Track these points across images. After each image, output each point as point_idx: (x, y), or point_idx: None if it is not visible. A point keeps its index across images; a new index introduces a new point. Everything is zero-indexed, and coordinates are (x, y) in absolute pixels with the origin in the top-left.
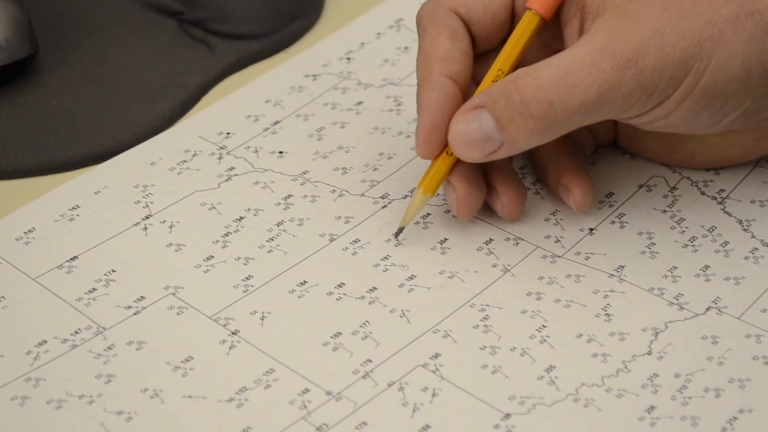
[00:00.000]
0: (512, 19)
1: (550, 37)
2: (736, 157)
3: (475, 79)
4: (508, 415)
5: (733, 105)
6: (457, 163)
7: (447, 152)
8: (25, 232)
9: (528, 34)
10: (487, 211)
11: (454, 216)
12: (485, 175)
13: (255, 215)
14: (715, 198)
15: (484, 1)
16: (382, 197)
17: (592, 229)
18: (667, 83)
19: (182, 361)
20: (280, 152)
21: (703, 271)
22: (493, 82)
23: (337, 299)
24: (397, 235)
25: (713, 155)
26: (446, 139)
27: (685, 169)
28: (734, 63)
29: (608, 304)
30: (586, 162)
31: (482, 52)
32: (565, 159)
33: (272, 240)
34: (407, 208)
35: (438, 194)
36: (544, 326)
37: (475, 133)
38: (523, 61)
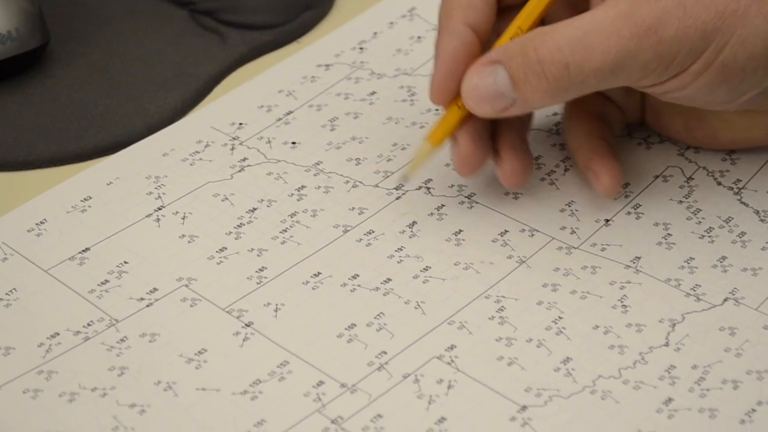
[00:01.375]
0: None
1: None
2: (758, 138)
3: (497, 33)
4: (524, 408)
5: (751, 83)
6: (467, 118)
7: (458, 105)
8: (36, 224)
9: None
10: (501, 201)
11: (468, 207)
12: (495, 139)
13: (268, 206)
14: (732, 188)
15: None
16: (396, 188)
17: (608, 220)
18: (686, 55)
19: (195, 354)
20: (293, 143)
21: (720, 262)
22: (511, 38)
23: (351, 291)
24: (401, 185)
25: (735, 134)
26: (459, 89)
27: (706, 150)
28: (756, 40)
29: (625, 295)
30: (616, 144)
31: (506, 6)
32: (596, 143)
33: (285, 231)
34: (413, 158)
35: (452, 186)
36: (560, 318)
37: (488, 87)
38: (547, 18)
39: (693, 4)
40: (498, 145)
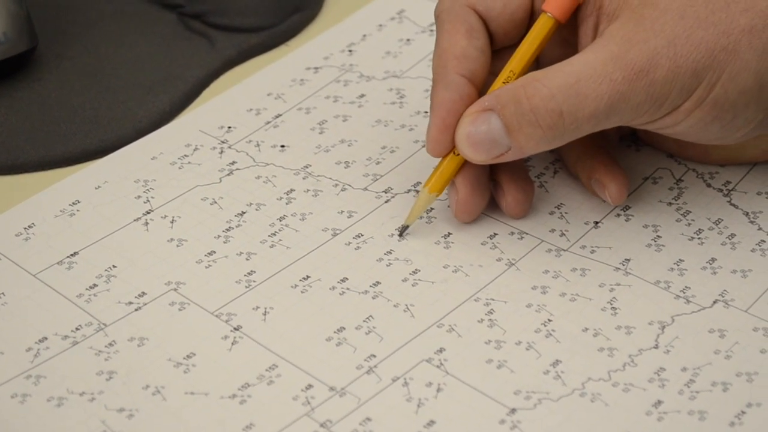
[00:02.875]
0: (531, 16)
1: (570, 33)
2: (751, 156)
3: (494, 73)
4: (513, 410)
5: (745, 118)
6: (464, 164)
7: (455, 152)
8: (24, 228)
9: (542, 37)
10: (491, 205)
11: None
12: (494, 170)
13: (257, 210)
14: (721, 190)
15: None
16: (385, 191)
17: (597, 223)
18: (677, 94)
19: (184, 358)
20: (282, 146)
21: (710, 264)
22: (504, 83)
23: (340, 294)
24: (401, 233)
25: (728, 153)
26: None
27: (697, 163)
28: (747, 75)
29: (614, 297)
30: (615, 151)
31: (501, 48)
32: (595, 153)
33: (274, 235)
34: (412, 207)
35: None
36: (549, 320)
37: (482, 135)
38: (540, 55)
39: (683, 43)
40: (498, 177)
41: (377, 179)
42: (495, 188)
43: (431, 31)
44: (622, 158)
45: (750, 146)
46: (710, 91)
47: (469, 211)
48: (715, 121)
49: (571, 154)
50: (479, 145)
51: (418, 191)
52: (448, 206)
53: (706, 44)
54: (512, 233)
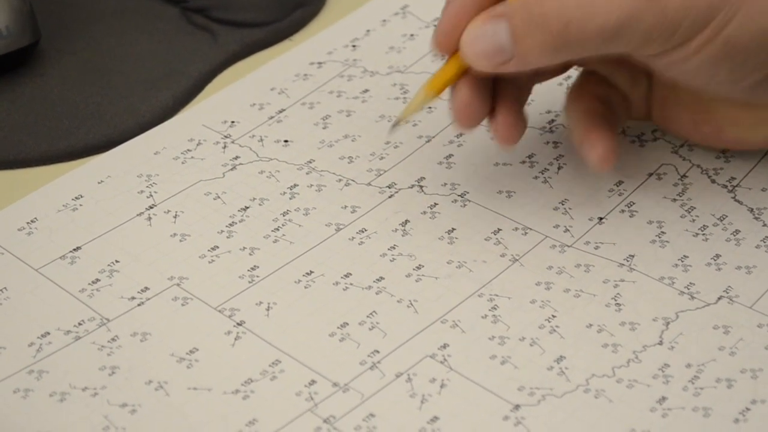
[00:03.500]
0: None
1: None
2: (763, 139)
3: None
4: (517, 407)
5: (755, 63)
6: (467, 71)
7: (459, 56)
8: (27, 223)
9: None
10: (495, 199)
11: (461, 205)
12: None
13: (260, 205)
14: (726, 186)
15: None
16: (389, 186)
17: (601, 218)
18: (689, 25)
19: (187, 353)
20: (286, 141)
21: (714, 260)
22: None
23: (343, 289)
24: (393, 126)
25: (741, 133)
26: None
27: (701, 148)
28: (761, 20)
29: (618, 293)
30: (617, 126)
31: None
32: (595, 120)
33: (278, 230)
34: (408, 104)
35: (445, 184)
36: (553, 316)
37: (488, 41)
38: None
39: None
40: (494, 105)
41: (381, 174)
42: (490, 118)
43: (434, 26)
44: (626, 153)
45: (763, 125)
46: (723, 27)
47: (469, 115)
48: (725, 62)
49: (573, 115)
50: (483, 51)
51: (421, 186)
52: (453, 201)
53: None
54: (516, 228)
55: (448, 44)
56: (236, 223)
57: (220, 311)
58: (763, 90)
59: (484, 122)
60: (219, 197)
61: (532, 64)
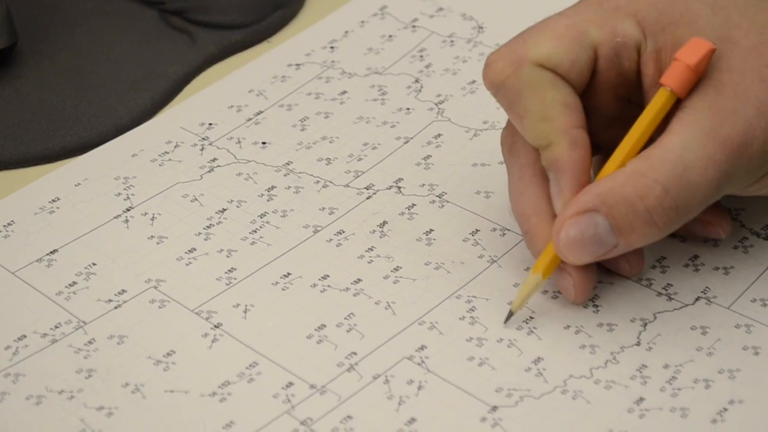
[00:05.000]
0: (595, 67)
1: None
2: None
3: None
4: (495, 408)
5: None
6: None
7: None
8: (3, 226)
9: (663, 114)
10: (473, 201)
11: (439, 206)
12: None
13: (238, 207)
14: None
15: (570, 57)
16: (367, 188)
17: None
18: None
19: (164, 355)
20: (263, 143)
21: (692, 261)
22: (620, 166)
23: (321, 291)
24: (507, 320)
25: None
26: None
27: None
28: None
29: (596, 295)
30: None
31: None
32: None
33: (255, 232)
34: (520, 292)
35: (423, 185)
36: (531, 317)
37: (589, 239)
38: (595, 108)
39: None
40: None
41: (359, 176)
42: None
43: (413, 27)
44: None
45: None
46: None
47: (587, 291)
48: None
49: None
50: (585, 249)
51: (399, 188)
52: (431, 201)
53: None
54: (494, 229)
55: (543, 241)
56: (213, 225)
57: (197, 313)
58: None
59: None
60: (196, 199)
61: (640, 246)
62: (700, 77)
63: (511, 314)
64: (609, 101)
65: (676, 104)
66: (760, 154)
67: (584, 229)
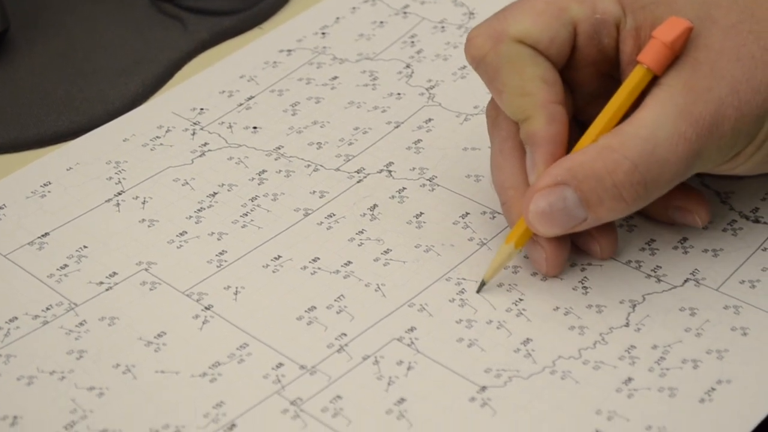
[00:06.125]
0: (575, 44)
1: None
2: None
3: None
4: (484, 388)
5: None
6: None
7: None
8: None
9: (638, 91)
10: (463, 184)
11: (429, 190)
12: None
13: (229, 190)
14: None
15: (550, 33)
16: (357, 171)
17: None
18: (742, 141)
19: (155, 337)
20: (254, 127)
21: (681, 244)
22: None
23: (311, 273)
24: (479, 289)
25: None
26: None
27: None
28: None
29: (585, 277)
30: None
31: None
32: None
33: (246, 215)
34: (493, 261)
35: (413, 169)
36: (520, 299)
37: (558, 212)
38: (577, 82)
39: (745, 89)
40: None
41: (349, 159)
42: (580, 235)
43: (404, 13)
44: None
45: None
46: None
47: (559, 264)
48: None
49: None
50: (555, 221)
51: (390, 171)
52: (421, 185)
53: (766, 87)
54: (484, 213)
55: (518, 213)
56: (205, 209)
57: (188, 295)
58: None
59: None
60: (188, 183)
61: (609, 220)
62: (676, 55)
63: (483, 283)
64: (590, 78)
65: (653, 81)
66: (731, 133)
67: (553, 202)
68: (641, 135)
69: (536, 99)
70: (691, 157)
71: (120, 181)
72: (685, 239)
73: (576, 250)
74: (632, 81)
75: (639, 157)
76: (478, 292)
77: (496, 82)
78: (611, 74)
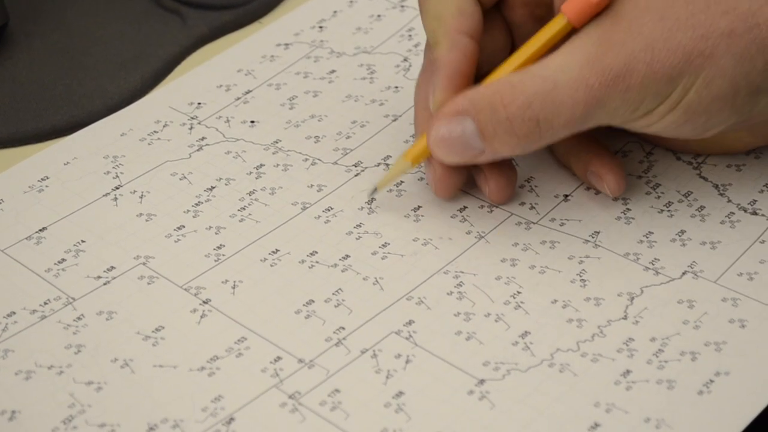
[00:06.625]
0: None
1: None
2: (733, 149)
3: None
4: (482, 381)
5: (717, 121)
6: None
7: None
8: None
9: (555, 41)
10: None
11: (427, 183)
12: None
13: (226, 185)
14: (691, 163)
15: None
16: (355, 165)
17: (567, 196)
18: (651, 99)
19: (153, 331)
20: (252, 122)
21: (679, 236)
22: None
23: (309, 267)
24: (370, 197)
25: (709, 145)
26: None
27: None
28: (722, 81)
29: (583, 269)
30: (602, 137)
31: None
32: (588, 144)
33: (244, 209)
34: (388, 173)
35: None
36: (518, 292)
37: (456, 140)
38: (513, 30)
39: (660, 47)
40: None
41: (347, 153)
42: (477, 173)
43: (402, 6)
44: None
45: (731, 139)
46: (683, 95)
47: (448, 187)
48: (688, 124)
49: (561, 146)
50: (453, 148)
51: (388, 165)
52: (419, 179)
53: (683, 49)
54: (482, 206)
55: (421, 131)
56: (202, 203)
57: (186, 289)
58: (727, 130)
59: None
60: (185, 177)
61: (505, 157)
62: (599, 11)
63: (375, 191)
64: (525, 19)
65: (574, 31)
66: (638, 88)
67: (452, 129)
68: (542, 75)
69: (447, 26)
70: (592, 105)
71: (117, 176)
72: (683, 231)
73: (573, 242)
74: (551, 28)
75: (534, 95)
76: (368, 201)
77: (424, 4)
78: (546, 18)
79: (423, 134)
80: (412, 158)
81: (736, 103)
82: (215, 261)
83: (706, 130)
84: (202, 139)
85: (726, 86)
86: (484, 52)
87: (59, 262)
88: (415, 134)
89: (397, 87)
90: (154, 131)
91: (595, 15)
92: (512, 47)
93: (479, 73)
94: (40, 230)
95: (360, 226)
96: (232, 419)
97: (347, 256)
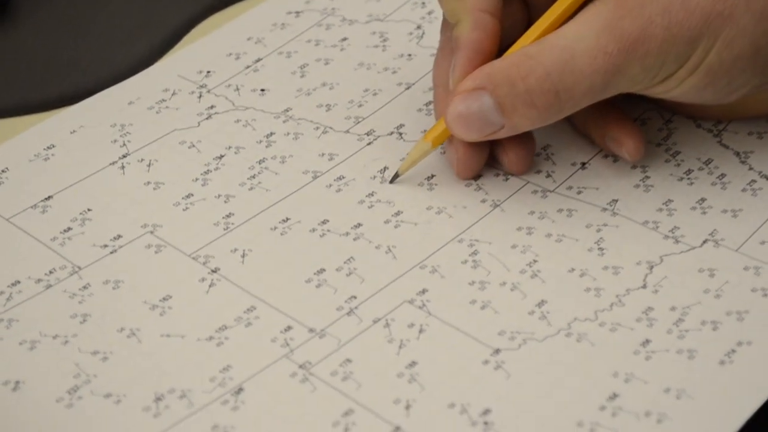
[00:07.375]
0: None
1: None
2: (754, 112)
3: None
4: (497, 351)
5: (740, 83)
6: None
7: None
8: None
9: (575, 7)
10: None
11: (440, 152)
12: None
13: (236, 153)
14: (711, 130)
15: None
16: (367, 134)
17: (584, 164)
18: (671, 62)
19: (160, 300)
20: (262, 90)
21: (700, 204)
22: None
23: (320, 236)
24: (392, 180)
25: (728, 110)
26: None
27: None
28: (742, 41)
29: (601, 238)
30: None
31: None
32: (606, 110)
33: (254, 177)
34: (409, 155)
35: (424, 131)
36: (535, 261)
37: (475, 116)
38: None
39: (678, 10)
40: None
41: (359, 122)
42: (495, 144)
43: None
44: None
45: (753, 101)
46: (704, 57)
47: (470, 168)
48: (709, 87)
49: (579, 113)
50: (471, 125)
51: (400, 133)
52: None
53: (701, 10)
54: (497, 174)
55: (441, 111)
56: (211, 171)
57: (194, 258)
58: (752, 93)
59: None
60: (194, 146)
61: (525, 130)
62: None
63: (397, 175)
64: None
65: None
66: (657, 52)
67: (470, 105)
68: (560, 44)
69: (467, 4)
70: (611, 73)
71: (125, 144)
72: (703, 199)
73: (590, 210)
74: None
75: (553, 65)
76: (391, 182)
77: None
78: None
79: (443, 115)
80: (433, 140)
81: (757, 63)
82: (224, 230)
83: (729, 93)
84: (211, 107)
85: (747, 46)
86: (502, 28)
87: (65, 230)
88: (435, 115)
89: (410, 55)
90: (162, 99)
91: None
92: (529, 22)
93: (499, 50)
94: (46, 198)
95: (372, 195)
96: (241, 389)
97: (359, 224)
